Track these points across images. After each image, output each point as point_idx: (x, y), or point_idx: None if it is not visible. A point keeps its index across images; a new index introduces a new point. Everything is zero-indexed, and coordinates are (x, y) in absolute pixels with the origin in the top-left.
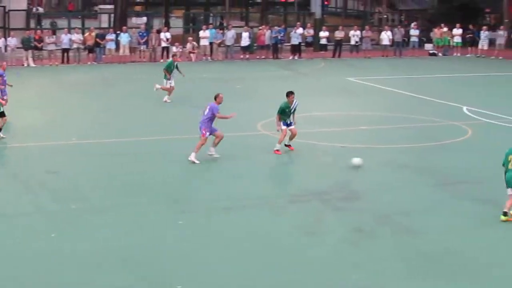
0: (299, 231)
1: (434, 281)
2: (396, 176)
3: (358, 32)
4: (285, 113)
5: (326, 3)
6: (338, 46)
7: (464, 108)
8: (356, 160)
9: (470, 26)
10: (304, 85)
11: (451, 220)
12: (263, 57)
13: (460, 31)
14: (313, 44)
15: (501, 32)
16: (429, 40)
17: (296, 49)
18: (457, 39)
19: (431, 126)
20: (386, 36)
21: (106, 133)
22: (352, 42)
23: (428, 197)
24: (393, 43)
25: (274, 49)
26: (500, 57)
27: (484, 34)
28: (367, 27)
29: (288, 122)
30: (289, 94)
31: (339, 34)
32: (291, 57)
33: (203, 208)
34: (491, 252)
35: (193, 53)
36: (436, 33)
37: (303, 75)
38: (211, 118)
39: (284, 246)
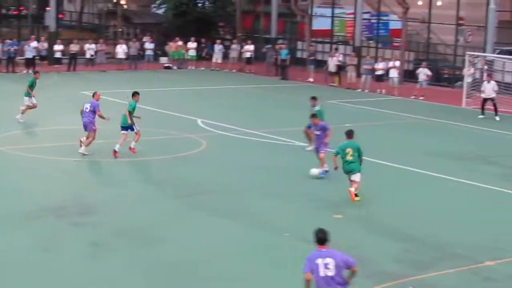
0: (35, 248)
1: None
2: (135, 189)
3: (93, 46)
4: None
5: (60, 16)
6: (73, 60)
7: (199, 121)
8: (314, 172)
9: (203, 40)
10: (39, 99)
11: (189, 231)
12: None
13: (194, 44)
14: (48, 58)
15: (234, 46)
16: (165, 54)
17: (30, 63)
18: (192, 53)
19: (167, 139)
20: (121, 50)
21: None
22: (87, 56)
23: (166, 209)
24: (129, 56)
25: (8, 62)
26: (234, 70)
27: (218, 48)
28: (101, 40)
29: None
30: (135, 94)
31: (74, 47)
32: (25, 71)
33: None
34: (231, 263)
35: None
36: (171, 46)
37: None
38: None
39: (21, 264)
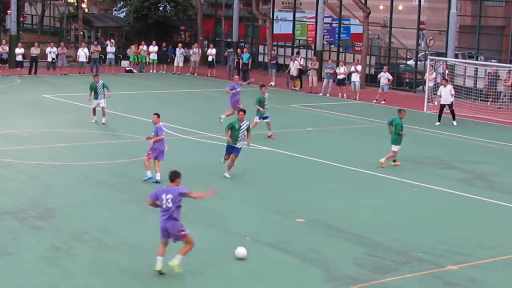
0: None
1: None
2: (94, 193)
3: (54, 49)
4: (260, 104)
5: (21, 19)
6: (34, 63)
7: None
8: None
9: (163, 44)
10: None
11: (149, 235)
12: None
13: (155, 48)
14: (9, 61)
15: (195, 50)
16: (126, 57)
17: None
18: (153, 56)
19: (127, 143)
20: (82, 53)
21: None
22: (49, 59)
23: (125, 213)
24: (90, 60)
25: None
26: (195, 74)
27: (179, 51)
28: (62, 43)
29: (264, 115)
30: (262, 86)
31: (34, 51)
32: None
33: None
34: (191, 266)
35: None
36: (132, 50)
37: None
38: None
39: None
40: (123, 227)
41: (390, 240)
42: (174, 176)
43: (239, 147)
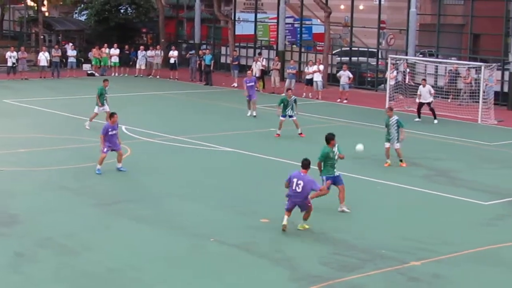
0: None
1: None
2: (56, 198)
3: (14, 53)
4: (285, 106)
5: None
6: None
7: (123, 128)
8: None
9: (126, 46)
10: None
11: (114, 239)
12: None
13: (117, 51)
14: None
15: (158, 52)
16: (88, 61)
17: None
18: (115, 59)
19: (89, 147)
20: (43, 57)
21: None
22: (9, 64)
23: (89, 218)
24: (51, 64)
25: None
26: (158, 76)
27: (141, 54)
28: (23, 48)
29: (289, 114)
30: (288, 89)
31: None
32: None
33: None
34: (156, 269)
35: None
36: (94, 53)
37: None
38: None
39: None
40: (87, 232)
41: (354, 238)
42: (307, 164)
43: (338, 174)
